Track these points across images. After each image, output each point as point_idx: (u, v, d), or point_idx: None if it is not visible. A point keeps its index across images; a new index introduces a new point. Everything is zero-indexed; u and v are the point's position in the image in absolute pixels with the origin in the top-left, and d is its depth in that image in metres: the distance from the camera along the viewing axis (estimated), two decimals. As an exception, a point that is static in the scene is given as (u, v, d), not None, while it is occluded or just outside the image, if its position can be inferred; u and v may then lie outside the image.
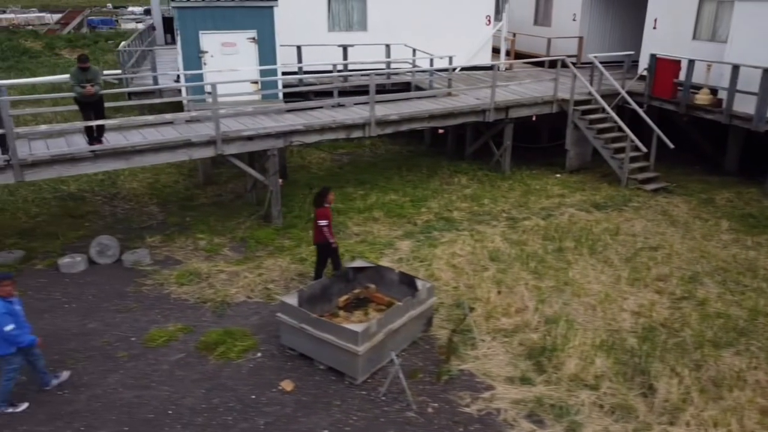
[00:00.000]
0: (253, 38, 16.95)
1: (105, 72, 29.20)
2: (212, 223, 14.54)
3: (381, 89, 19.06)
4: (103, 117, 12.60)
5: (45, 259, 12.73)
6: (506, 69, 23.18)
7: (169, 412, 8.28)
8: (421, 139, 21.55)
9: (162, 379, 8.98)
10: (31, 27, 61.42)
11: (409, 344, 9.74)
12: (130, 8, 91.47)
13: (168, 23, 32.41)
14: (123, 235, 13.78)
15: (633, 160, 16.87)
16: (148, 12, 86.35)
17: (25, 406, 8.38)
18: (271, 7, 16.86)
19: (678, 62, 17.73)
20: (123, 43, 40.05)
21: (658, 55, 18.23)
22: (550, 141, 20.80)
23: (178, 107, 18.34)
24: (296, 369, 9.23)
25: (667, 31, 19.68)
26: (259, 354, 9.59)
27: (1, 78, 30.25)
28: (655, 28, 20.35)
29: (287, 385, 8.85)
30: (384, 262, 12.01)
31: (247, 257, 12.90)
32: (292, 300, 9.44)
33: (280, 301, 9.63)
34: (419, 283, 10.02)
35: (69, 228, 14.26)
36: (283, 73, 17.96)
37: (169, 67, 22.09)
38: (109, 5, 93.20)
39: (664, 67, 18.04)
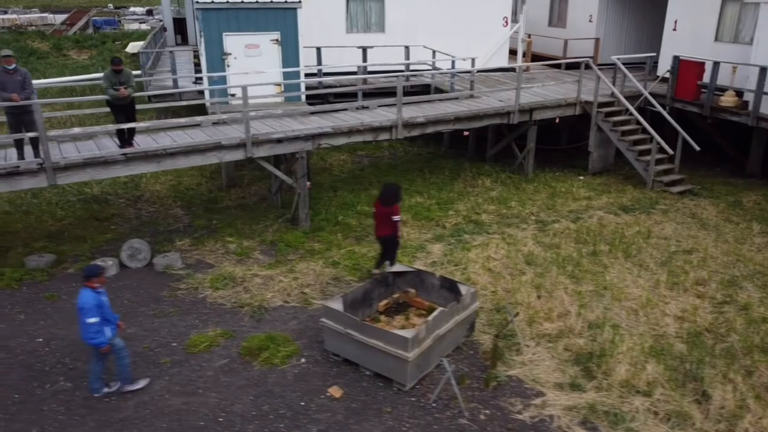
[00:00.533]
0: (277, 40, 16.89)
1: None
2: (239, 227, 14.45)
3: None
4: (134, 120, 12.50)
5: (75, 262, 12.62)
6: (524, 71, 23.04)
7: (220, 419, 8.18)
8: (440, 140, 21.45)
9: (208, 385, 8.89)
10: (34, 27, 61.27)
11: (453, 350, 9.66)
12: (132, 9, 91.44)
13: (178, 24, 32.31)
14: (151, 238, 13.68)
15: (657, 162, 16.80)
16: (150, 12, 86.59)
17: (144, 382, 8.81)
18: (295, 9, 16.81)
19: (702, 64, 17.67)
20: (132, 44, 40.15)
21: (681, 57, 18.16)
22: (569, 143, 20.77)
23: (196, 109, 18.26)
24: (342, 375, 9.14)
25: (688, 33, 19.65)
26: (303, 360, 9.50)
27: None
28: (675, 29, 20.31)
29: (335, 391, 8.77)
30: (417, 266, 11.91)
31: (279, 261, 12.81)
32: (336, 305, 9.35)
33: (323, 306, 9.53)
34: (462, 288, 9.93)
35: (96, 231, 14.16)
36: (308, 75, 17.92)
37: (184, 68, 22.03)
38: (110, 6, 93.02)
39: (687, 68, 17.98)
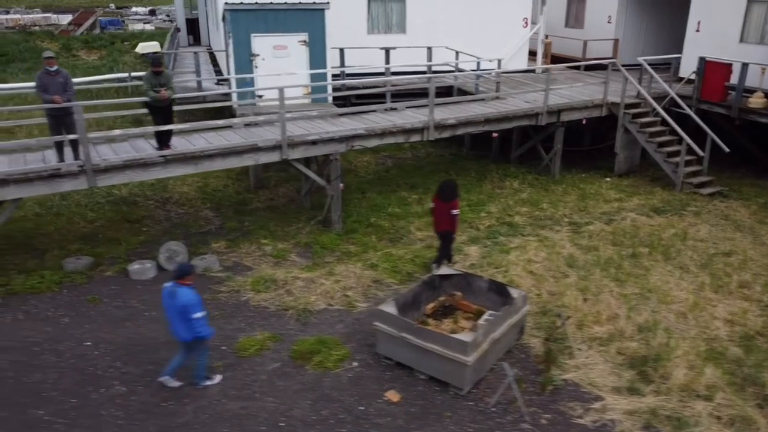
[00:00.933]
0: (304, 41, 16.82)
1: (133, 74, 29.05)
2: (272, 228, 14.38)
3: (424, 92, 18.94)
4: (171, 121, 12.42)
5: (112, 265, 12.55)
6: (544, 72, 22.99)
7: (281, 424, 8.13)
8: (460, 142, 21.37)
9: (264, 389, 8.83)
10: (38, 27, 61.14)
11: (504, 353, 9.61)
12: (134, 9, 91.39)
13: (190, 24, 32.30)
14: (185, 240, 13.57)
15: (686, 164, 16.76)
16: (152, 12, 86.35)
17: (219, 378, 8.95)
18: (323, 10, 16.74)
19: (729, 65, 17.64)
20: (141, 44, 40.04)
21: (707, 58, 18.13)
22: (591, 144, 20.71)
23: (219, 110, 18.13)
24: (396, 379, 9.09)
25: (712, 34, 19.60)
26: (355, 363, 9.45)
27: (23, 80, 30.04)
28: (698, 30, 20.28)
29: (393, 395, 8.71)
30: (457, 269, 11.87)
31: (317, 263, 12.75)
32: (390, 308, 9.30)
33: (377, 309, 9.46)
34: (513, 291, 9.90)
35: (128, 233, 14.09)
36: (334, 77, 17.89)
37: (203, 69, 21.87)
38: (112, 6, 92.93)
39: (713, 70, 17.95)
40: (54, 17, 72.95)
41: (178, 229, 14.48)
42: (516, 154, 19.21)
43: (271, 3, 16.42)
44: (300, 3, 16.62)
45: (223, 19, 17.09)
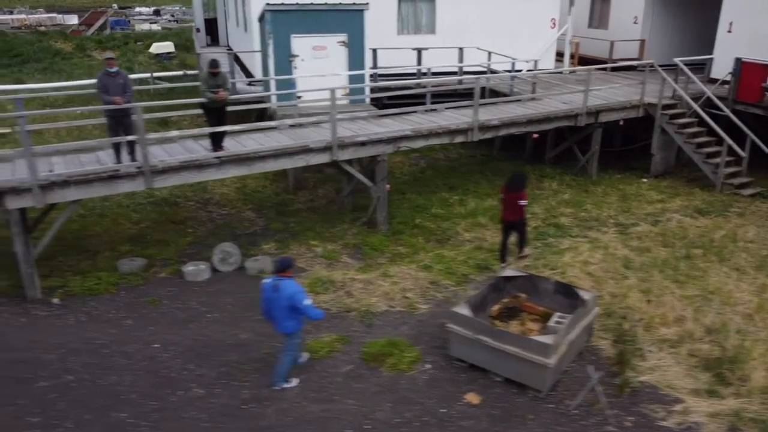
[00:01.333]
0: (344, 42, 16.77)
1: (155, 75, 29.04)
2: (318, 230, 14.33)
3: (452, 93, 18.93)
4: (224, 123, 12.38)
5: (165, 266, 12.51)
6: (570, 72, 22.99)
7: (366, 426, 8.08)
8: (490, 143, 21.30)
9: (342, 391, 8.78)
10: (43, 27, 61.01)
11: (576, 355, 9.58)
12: (137, 9, 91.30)
13: (208, 24, 32.26)
14: (233, 241, 13.50)
15: (725, 164, 16.74)
16: (157, 12, 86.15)
17: (296, 382, 8.86)
18: (362, 11, 16.69)
19: (766, 66, 17.64)
20: (156, 44, 39.96)
21: (743, 59, 18.13)
22: (622, 145, 20.70)
23: (246, 111, 18.05)
24: (472, 381, 9.05)
25: (745, 34, 19.60)
26: (428, 365, 9.40)
27: (40, 80, 29.96)
28: (729, 31, 20.29)
29: (473, 398, 8.67)
30: (510, 271, 11.82)
31: (369, 265, 12.72)
32: (464, 311, 9.26)
33: (452, 311, 9.41)
34: (583, 293, 9.87)
35: (175, 234, 14.04)
36: (380, 77, 17.85)
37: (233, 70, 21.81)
38: (115, 6, 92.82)
39: (750, 70, 17.95)
40: (59, 17, 72.86)
41: (223, 231, 14.43)
42: (551, 154, 19.19)
43: (311, 3, 16.42)
44: (340, 3, 16.60)
45: (261, 19, 17.05)
